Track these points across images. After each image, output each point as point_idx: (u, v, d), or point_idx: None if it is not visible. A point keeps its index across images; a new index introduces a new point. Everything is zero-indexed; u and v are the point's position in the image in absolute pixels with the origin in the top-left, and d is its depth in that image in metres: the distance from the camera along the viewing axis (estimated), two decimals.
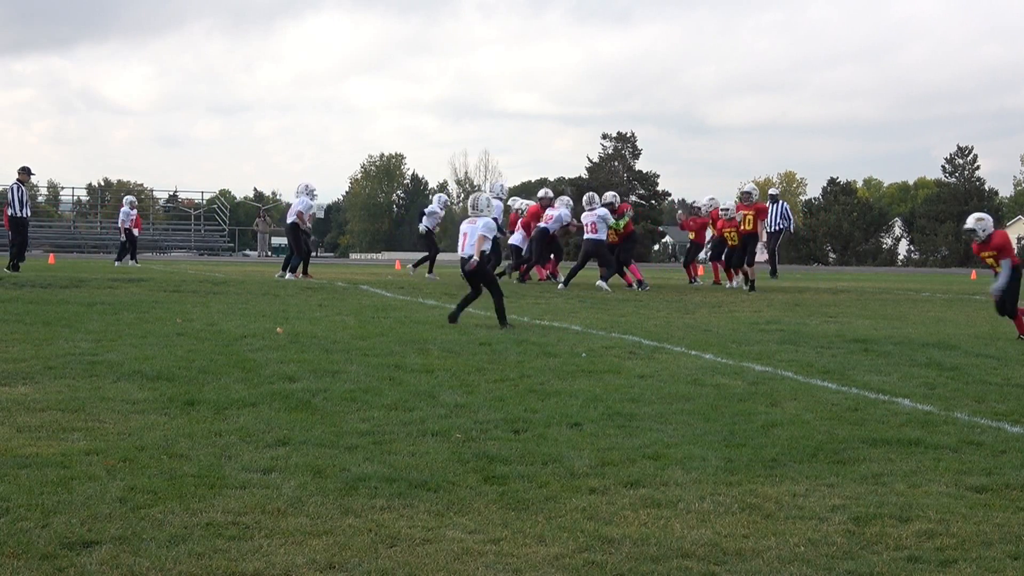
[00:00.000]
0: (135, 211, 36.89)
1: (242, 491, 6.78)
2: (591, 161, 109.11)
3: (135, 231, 37.10)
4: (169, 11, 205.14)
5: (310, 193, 28.31)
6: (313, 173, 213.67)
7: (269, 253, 66.28)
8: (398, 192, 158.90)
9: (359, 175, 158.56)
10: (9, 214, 29.55)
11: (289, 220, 28.38)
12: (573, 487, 7.09)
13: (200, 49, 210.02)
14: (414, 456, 7.79)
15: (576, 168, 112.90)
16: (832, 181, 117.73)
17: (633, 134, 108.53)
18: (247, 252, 70.97)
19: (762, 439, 8.68)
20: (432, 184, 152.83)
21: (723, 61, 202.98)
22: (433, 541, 5.92)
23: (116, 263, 35.16)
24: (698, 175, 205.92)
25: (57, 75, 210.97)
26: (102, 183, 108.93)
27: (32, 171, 30.33)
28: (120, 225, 37.62)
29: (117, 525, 6.00)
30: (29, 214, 30.29)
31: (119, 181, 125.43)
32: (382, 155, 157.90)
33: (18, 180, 29.70)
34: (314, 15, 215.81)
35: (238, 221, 76.54)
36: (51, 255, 44.65)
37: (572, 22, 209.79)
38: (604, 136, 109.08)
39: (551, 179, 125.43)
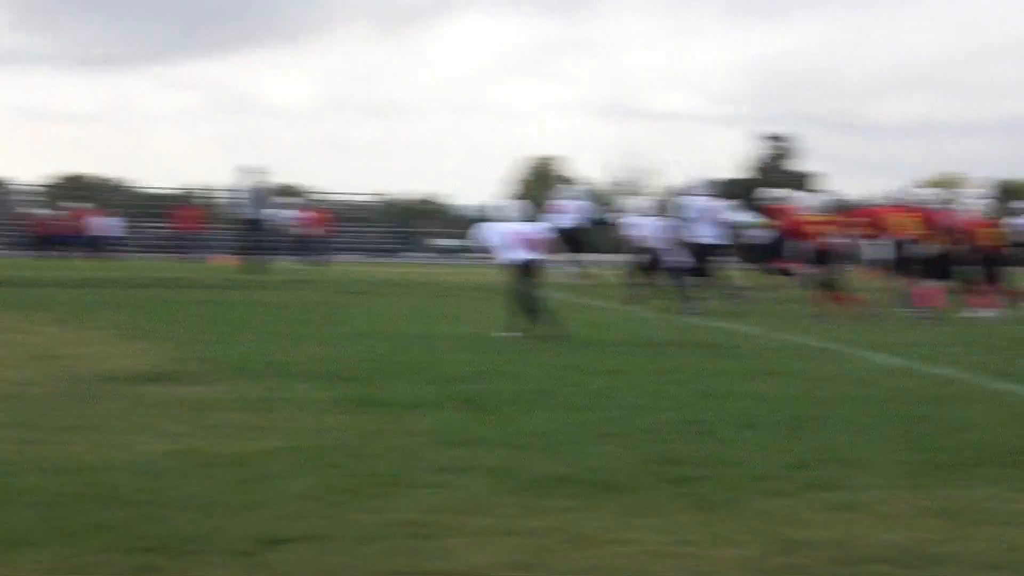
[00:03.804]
0: (304, 212, 36.77)
1: (430, 491, 6.84)
2: (748, 161, 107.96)
3: (307, 231, 37.11)
4: (326, 16, 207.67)
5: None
6: (465, 176, 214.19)
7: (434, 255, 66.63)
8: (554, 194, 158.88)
9: (515, 177, 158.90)
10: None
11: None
12: (759, 489, 7.02)
13: (358, 51, 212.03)
14: (597, 457, 7.79)
15: (733, 168, 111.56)
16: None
17: (790, 134, 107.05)
18: (413, 253, 71.43)
19: (949, 442, 8.51)
20: (587, 186, 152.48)
21: (885, 57, 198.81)
22: (620, 542, 5.90)
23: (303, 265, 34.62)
24: (859, 175, 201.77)
25: (218, 79, 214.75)
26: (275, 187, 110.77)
27: (258, 170, 30.25)
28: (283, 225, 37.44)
29: (310, 523, 6.10)
30: (262, 215, 30.06)
31: (290, 185, 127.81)
32: (537, 157, 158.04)
33: (252, 182, 29.81)
34: (470, 16, 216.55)
35: (397, 223, 77.14)
36: (230, 258, 45.43)
37: (728, 19, 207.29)
38: (761, 136, 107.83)
39: (711, 179, 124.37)
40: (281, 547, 5.69)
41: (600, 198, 32.68)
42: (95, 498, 6.42)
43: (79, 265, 36.73)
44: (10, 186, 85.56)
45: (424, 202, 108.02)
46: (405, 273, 34.03)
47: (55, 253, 45.93)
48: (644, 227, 23.71)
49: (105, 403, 9.50)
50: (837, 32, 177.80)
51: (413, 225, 78.77)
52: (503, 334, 14.70)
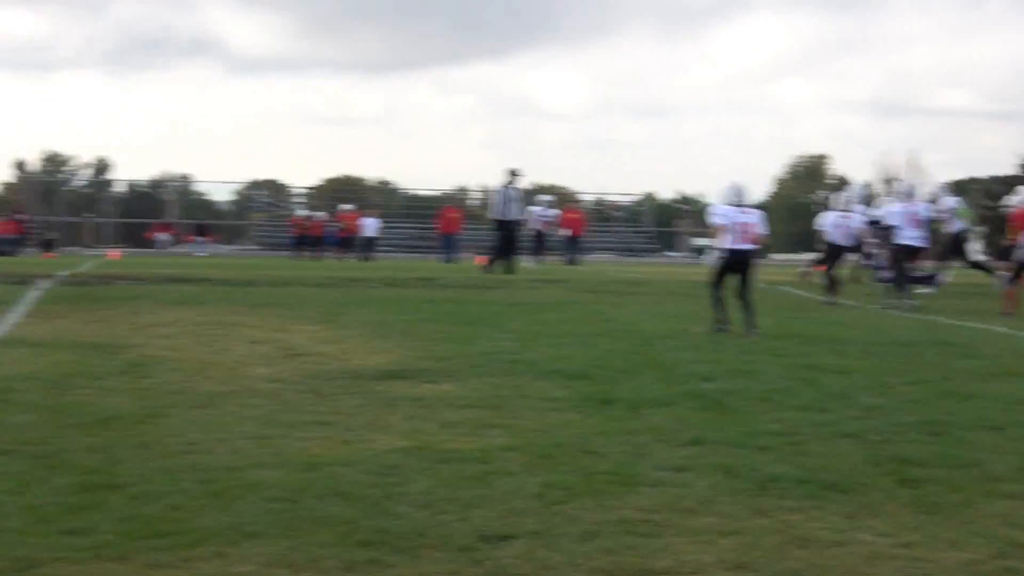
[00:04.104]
0: (553, 211, 36.86)
1: (654, 489, 6.85)
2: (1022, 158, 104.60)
3: (564, 231, 37.19)
4: (604, 18, 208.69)
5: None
6: (735, 174, 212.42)
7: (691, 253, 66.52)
8: (821, 193, 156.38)
9: (786, 176, 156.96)
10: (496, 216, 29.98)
11: None
12: (991, 492, 6.83)
13: (630, 53, 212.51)
14: (826, 457, 7.69)
15: (1007, 166, 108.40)
16: None
17: None
18: (668, 253, 71.40)
19: None
20: (858, 183, 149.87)
21: None
22: (844, 543, 5.83)
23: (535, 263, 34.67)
24: None
25: (494, 82, 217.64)
26: (532, 187, 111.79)
27: (518, 172, 30.57)
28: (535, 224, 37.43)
29: (532, 520, 6.16)
30: (516, 216, 30.22)
31: (551, 185, 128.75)
32: (807, 156, 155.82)
33: (507, 183, 30.20)
34: (745, 15, 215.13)
35: (661, 223, 77.06)
36: (476, 257, 46.03)
37: (1013, 14, 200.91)
38: None
39: (980, 177, 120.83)
40: (503, 543, 5.76)
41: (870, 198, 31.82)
42: (324, 493, 6.60)
43: (335, 265, 37.78)
44: (288, 189, 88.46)
45: (684, 201, 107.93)
46: (659, 272, 33.96)
47: (311, 253, 47.42)
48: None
49: (346, 400, 9.75)
50: None
51: (672, 224, 78.79)
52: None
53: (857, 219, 23.57)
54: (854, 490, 6.86)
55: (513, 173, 30.07)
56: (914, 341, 13.94)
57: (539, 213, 35.84)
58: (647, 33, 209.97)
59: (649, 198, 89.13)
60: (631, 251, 69.05)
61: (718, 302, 15.55)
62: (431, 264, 37.91)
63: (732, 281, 15.60)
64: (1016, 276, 19.97)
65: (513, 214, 29.85)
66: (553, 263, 37.17)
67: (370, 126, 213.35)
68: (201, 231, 56.12)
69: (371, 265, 38.20)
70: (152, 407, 9.27)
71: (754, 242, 15.59)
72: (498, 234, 29.86)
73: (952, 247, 26.76)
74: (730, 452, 7.84)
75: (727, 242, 15.51)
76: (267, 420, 8.81)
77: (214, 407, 9.36)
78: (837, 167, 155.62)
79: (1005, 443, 8.20)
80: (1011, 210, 26.13)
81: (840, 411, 9.36)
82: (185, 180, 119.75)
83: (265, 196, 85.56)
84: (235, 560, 5.43)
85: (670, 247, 77.94)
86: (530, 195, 58.79)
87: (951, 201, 26.44)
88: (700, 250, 67.93)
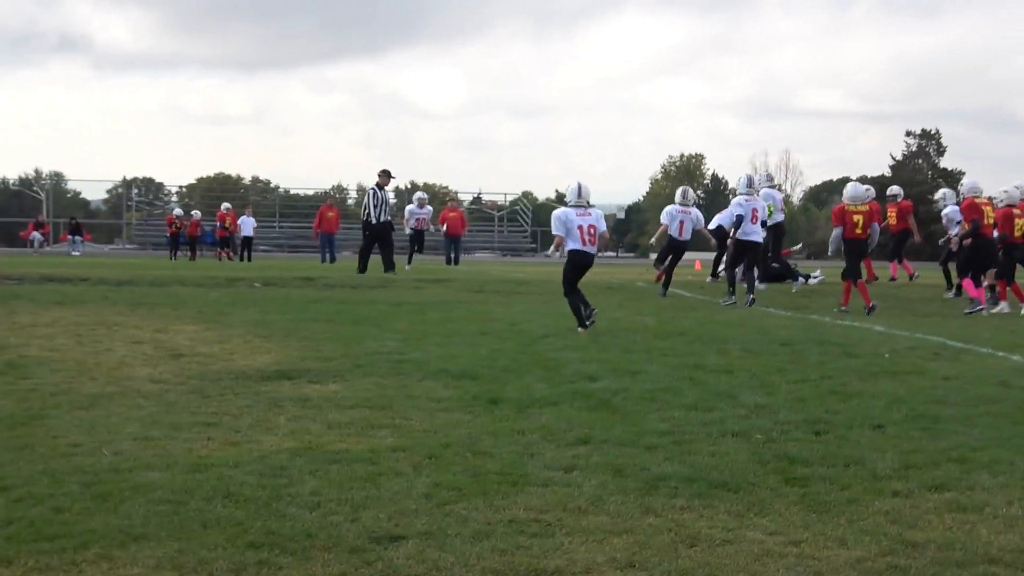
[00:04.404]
0: (425, 209, 36.53)
1: (544, 489, 6.87)
2: (893, 159, 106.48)
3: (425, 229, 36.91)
4: (476, 16, 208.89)
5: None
6: (613, 174, 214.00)
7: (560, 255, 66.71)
8: (698, 192, 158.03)
9: (659, 176, 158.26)
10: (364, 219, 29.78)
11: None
12: (875, 490, 6.95)
13: (504, 53, 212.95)
14: (714, 456, 7.76)
15: (878, 166, 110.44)
16: None
17: (938, 131, 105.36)
18: (548, 253, 71.70)
19: None
20: (731, 184, 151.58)
21: None
22: (733, 542, 5.89)
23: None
24: (1006, 172, 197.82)
25: (368, 81, 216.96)
26: (408, 186, 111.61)
27: (392, 174, 30.34)
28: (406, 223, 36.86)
29: (423, 520, 6.16)
30: (386, 219, 30.00)
31: (424, 184, 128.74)
32: (682, 155, 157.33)
33: (377, 184, 30.01)
34: (615, 16, 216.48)
35: (540, 222, 77.33)
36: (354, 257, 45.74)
37: (879, 16, 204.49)
38: (908, 133, 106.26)
39: (852, 177, 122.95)
40: (394, 544, 5.76)
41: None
42: (212, 494, 6.55)
43: (215, 264, 37.41)
44: (164, 188, 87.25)
45: (561, 201, 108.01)
46: (543, 272, 34.05)
47: (188, 253, 46.91)
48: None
49: (231, 401, 9.67)
50: (997, 27, 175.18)
51: (548, 224, 79.01)
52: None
53: (695, 213, 24.02)
54: (742, 489, 6.93)
55: (386, 174, 29.87)
56: (796, 340, 14.09)
57: (416, 212, 35.46)
58: (520, 32, 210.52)
59: (528, 197, 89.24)
60: (513, 251, 69.21)
61: (578, 305, 15.78)
62: (311, 263, 37.59)
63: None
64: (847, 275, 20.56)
65: (386, 216, 29.65)
66: (435, 263, 37.11)
67: (243, 125, 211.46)
68: (76, 230, 55.08)
69: (251, 265, 37.85)
70: (33, 409, 9.13)
71: (595, 242, 15.89)
72: (368, 236, 29.71)
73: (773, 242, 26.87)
74: (618, 451, 7.89)
75: (572, 244, 15.84)
76: (152, 421, 8.71)
77: (97, 408, 9.23)
78: (712, 167, 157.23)
79: (887, 441, 8.32)
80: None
81: (726, 410, 9.45)
82: (58, 178, 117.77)
83: (140, 195, 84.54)
84: (123, 563, 5.36)
85: (547, 247, 78.29)
86: (408, 194, 58.59)
87: (773, 195, 26.64)
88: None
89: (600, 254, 16.74)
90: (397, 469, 7.26)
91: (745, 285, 21.50)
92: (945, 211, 24.85)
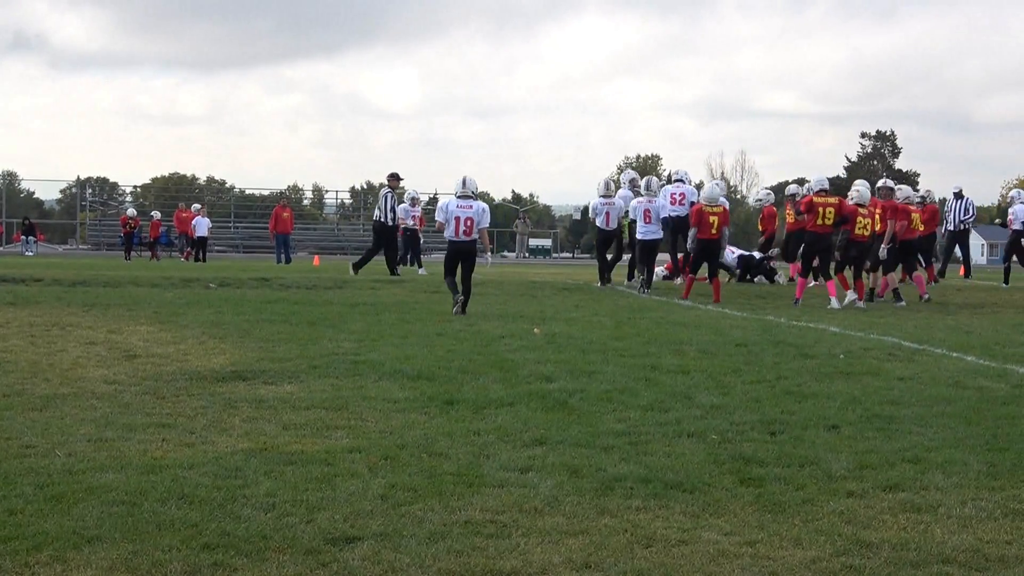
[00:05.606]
0: (417, 208, 36.40)
1: (500, 490, 6.87)
2: (849, 160, 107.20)
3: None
4: (434, 16, 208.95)
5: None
6: (571, 174, 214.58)
7: (526, 255, 66.79)
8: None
9: (615, 176, 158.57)
10: (379, 221, 29.84)
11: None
12: (830, 490, 6.98)
13: (463, 53, 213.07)
14: (670, 457, 7.78)
15: (834, 167, 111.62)
16: None
17: (893, 132, 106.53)
18: (505, 254, 71.64)
19: None
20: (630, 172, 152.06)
21: (990, 56, 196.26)
22: (689, 542, 5.90)
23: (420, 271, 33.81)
24: (961, 173, 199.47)
25: (325, 81, 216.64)
26: (364, 186, 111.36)
27: (400, 176, 30.62)
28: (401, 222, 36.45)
29: (378, 521, 6.15)
30: (394, 221, 30.13)
31: (381, 184, 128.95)
32: (638, 156, 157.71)
33: (388, 186, 30.17)
34: (573, 17, 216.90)
35: (496, 223, 77.39)
36: (316, 257, 45.73)
37: (835, 19, 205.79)
38: (863, 135, 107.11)
39: (809, 178, 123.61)
40: (349, 545, 5.75)
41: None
42: (167, 496, 6.51)
43: (169, 264, 37.24)
44: (118, 188, 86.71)
45: (517, 201, 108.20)
46: (500, 273, 33.99)
47: (143, 253, 46.71)
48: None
49: (186, 402, 9.63)
50: (950, 30, 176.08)
51: (510, 225, 79.06)
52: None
53: (619, 205, 24.49)
54: (698, 489, 6.95)
55: (395, 177, 30.24)
56: (752, 341, 14.15)
57: (410, 211, 35.34)
58: (479, 33, 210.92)
59: (484, 198, 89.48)
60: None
61: (453, 286, 17.69)
62: (267, 264, 37.51)
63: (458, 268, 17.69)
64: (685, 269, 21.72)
65: (395, 219, 30.10)
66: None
67: (198, 124, 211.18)
68: (30, 230, 54.71)
69: (206, 265, 37.69)
70: None
71: (470, 234, 17.48)
72: (386, 239, 29.96)
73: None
74: (574, 452, 7.89)
75: (448, 233, 17.59)
76: (106, 422, 8.65)
77: (51, 409, 9.17)
78: (668, 168, 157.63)
79: (842, 442, 8.36)
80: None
81: (682, 411, 9.47)
82: (11, 178, 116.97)
83: (94, 195, 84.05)
84: (76, 565, 5.32)
85: (506, 247, 78.32)
86: (363, 195, 58.47)
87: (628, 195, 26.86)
88: (537, 251, 68.41)
89: (523, 256, 18.72)
90: (353, 470, 7.24)
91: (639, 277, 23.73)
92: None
